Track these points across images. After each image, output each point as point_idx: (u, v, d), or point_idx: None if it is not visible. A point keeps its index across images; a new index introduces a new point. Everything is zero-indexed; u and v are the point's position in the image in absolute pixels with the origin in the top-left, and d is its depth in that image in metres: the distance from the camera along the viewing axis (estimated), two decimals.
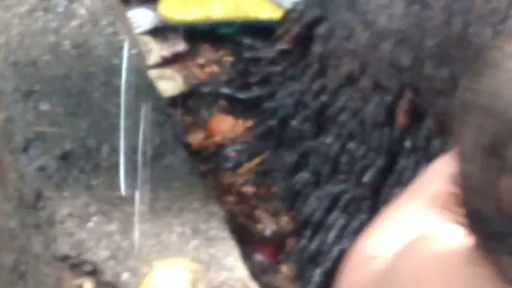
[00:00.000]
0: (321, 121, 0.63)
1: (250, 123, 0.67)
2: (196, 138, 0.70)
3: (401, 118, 0.56)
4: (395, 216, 0.44)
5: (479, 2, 0.51)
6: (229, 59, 0.76)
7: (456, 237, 0.32)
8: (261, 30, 0.77)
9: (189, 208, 0.63)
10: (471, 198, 0.26)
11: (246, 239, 0.60)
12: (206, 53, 0.80)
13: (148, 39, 0.88)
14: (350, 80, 0.62)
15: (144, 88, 0.71)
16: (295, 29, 0.68)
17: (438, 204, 0.36)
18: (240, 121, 0.69)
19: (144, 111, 0.69)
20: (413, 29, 0.56)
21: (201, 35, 0.82)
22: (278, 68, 0.69)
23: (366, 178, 0.57)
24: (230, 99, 0.71)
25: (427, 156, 0.55)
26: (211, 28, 0.79)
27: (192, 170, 0.66)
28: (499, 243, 0.26)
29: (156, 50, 0.87)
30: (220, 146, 0.67)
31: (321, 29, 0.66)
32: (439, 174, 0.38)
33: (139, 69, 0.70)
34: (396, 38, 0.58)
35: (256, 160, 0.65)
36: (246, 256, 0.59)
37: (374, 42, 0.59)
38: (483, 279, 0.30)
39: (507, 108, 0.23)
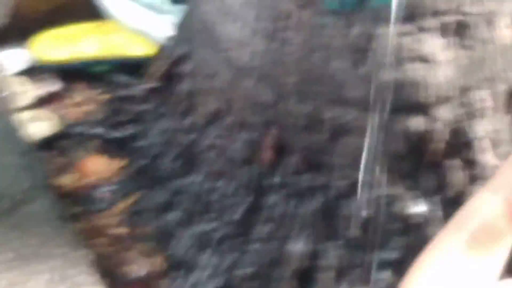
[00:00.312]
0: (191, 159, 0.65)
1: (123, 162, 0.68)
2: (68, 180, 0.68)
3: (266, 154, 0.59)
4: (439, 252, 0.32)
5: (338, 36, 0.53)
6: (104, 97, 0.77)
7: None
8: (135, 67, 0.79)
9: (57, 253, 0.61)
10: None
11: (117, 282, 0.60)
12: (82, 92, 0.79)
13: (22, 80, 0.85)
14: (217, 117, 0.63)
15: (9, 132, 0.69)
16: (164, 66, 0.71)
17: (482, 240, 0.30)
18: (114, 161, 0.68)
19: (10, 156, 0.66)
20: (274, 66, 0.57)
21: (76, 74, 0.81)
22: (149, 106, 0.70)
23: (236, 216, 0.59)
24: (103, 138, 0.70)
25: (296, 191, 0.57)
26: (84, 67, 0.79)
27: (62, 213, 0.64)
28: None
29: (31, 91, 0.84)
30: (93, 187, 0.67)
31: (187, 67, 0.68)
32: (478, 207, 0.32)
33: (3, 113, 0.68)
34: (258, 75, 0.60)
35: (129, 200, 0.65)
36: None
37: (237, 79, 0.61)
38: None
39: None
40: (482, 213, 0.31)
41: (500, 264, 0.29)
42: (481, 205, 0.31)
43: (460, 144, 0.54)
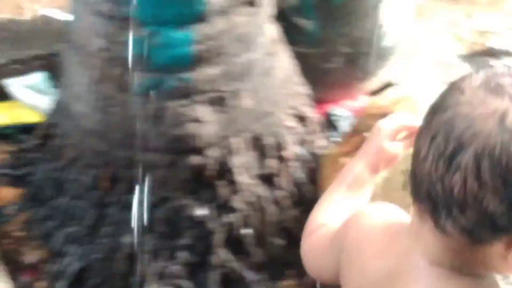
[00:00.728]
0: (62, 187, 0.92)
1: (22, 191, 0.97)
2: None
3: (105, 183, 0.87)
4: (331, 196, 0.60)
5: (143, 109, 0.83)
6: (11, 149, 1.08)
7: (380, 214, 0.50)
8: (30, 129, 1.09)
9: None
10: (426, 185, 0.39)
11: (17, 267, 0.91)
12: None
13: None
14: (76, 161, 0.91)
15: None
16: (45, 129, 1.00)
17: (354, 187, 0.56)
18: (16, 190, 0.98)
19: None
20: (107, 128, 0.86)
21: None
22: (38, 154, 1.00)
23: (90, 222, 0.87)
24: (10, 175, 1.01)
25: (125, 205, 0.84)
26: None
27: None
28: (441, 209, 0.38)
29: None
30: (3, 206, 0.97)
31: (57, 130, 0.96)
32: (350, 169, 0.58)
33: None
34: (97, 134, 0.88)
35: (25, 215, 0.94)
36: None
37: (85, 137, 0.90)
38: (421, 239, 0.42)
39: (460, 134, 0.37)
40: (354, 171, 0.57)
41: (366, 199, 0.56)
42: (353, 166, 0.57)
43: (224, 171, 0.87)
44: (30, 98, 1.18)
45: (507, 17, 1.73)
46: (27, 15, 1.50)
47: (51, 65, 1.17)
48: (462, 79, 0.41)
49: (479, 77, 0.40)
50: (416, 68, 1.29)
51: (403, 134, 0.55)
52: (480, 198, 0.37)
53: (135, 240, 0.83)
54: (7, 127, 1.14)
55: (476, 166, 0.36)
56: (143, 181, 0.84)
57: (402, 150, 0.55)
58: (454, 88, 0.41)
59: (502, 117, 0.36)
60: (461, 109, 0.38)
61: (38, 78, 1.21)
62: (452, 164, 0.37)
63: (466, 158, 0.37)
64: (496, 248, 0.39)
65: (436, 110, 0.41)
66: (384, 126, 0.56)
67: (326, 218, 0.59)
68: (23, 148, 1.06)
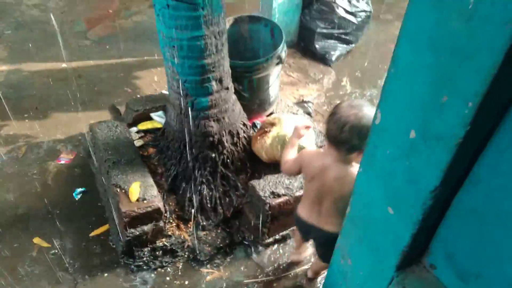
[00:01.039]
0: None
1: None
2: None
3: None
4: (287, 150, 1.99)
5: None
6: None
7: (310, 151, 1.92)
8: None
9: None
10: (332, 138, 1.67)
11: None
12: None
13: None
14: None
15: None
16: None
17: (294, 146, 2.00)
18: None
19: None
20: None
21: None
22: None
23: None
24: None
25: None
26: None
27: None
28: (337, 144, 1.67)
29: None
30: None
31: None
32: (291, 140, 2.01)
33: None
34: None
35: None
36: None
37: None
38: (330, 156, 1.73)
39: (338, 122, 1.61)
40: (292, 141, 2.05)
41: (296, 151, 2.05)
42: (292, 139, 2.05)
43: (220, 142, 2.72)
44: (158, 119, 3.04)
45: None
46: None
47: (163, 109, 3.05)
48: (340, 104, 1.64)
49: (346, 102, 1.63)
50: (282, 108, 3.18)
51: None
52: (350, 139, 1.58)
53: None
54: (152, 129, 3.04)
55: (349, 130, 1.56)
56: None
57: (304, 134, 1.98)
58: (336, 106, 1.65)
59: (356, 114, 1.57)
60: (341, 112, 1.60)
61: (159, 113, 3.09)
62: (342, 130, 1.59)
63: (346, 128, 1.57)
64: (355, 155, 1.65)
65: (332, 114, 1.63)
66: (298, 124, 1.97)
67: (289, 157, 1.96)
68: (156, 136, 2.92)
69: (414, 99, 0.93)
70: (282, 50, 2.77)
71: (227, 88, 2.53)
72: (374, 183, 1.19)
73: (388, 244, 1.21)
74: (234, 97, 2.60)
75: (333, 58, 4.44)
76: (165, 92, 3.40)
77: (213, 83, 2.31)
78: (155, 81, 4.11)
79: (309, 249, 2.56)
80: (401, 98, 0.98)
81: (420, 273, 1.20)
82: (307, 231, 2.03)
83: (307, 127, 2.01)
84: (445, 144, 0.88)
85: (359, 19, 4.49)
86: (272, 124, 2.59)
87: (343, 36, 4.50)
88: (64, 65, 4.32)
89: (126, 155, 2.63)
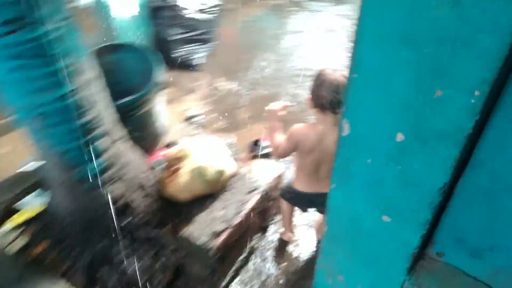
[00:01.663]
0: None
1: None
2: None
3: None
4: (275, 135, 2.08)
5: None
6: None
7: (297, 126, 2.05)
8: None
9: None
10: (325, 98, 1.84)
11: None
12: None
13: None
14: None
15: None
16: None
17: (279, 131, 2.12)
18: None
19: None
20: None
21: None
22: None
23: None
24: None
25: None
26: None
27: None
28: (329, 107, 1.87)
29: None
30: None
31: None
32: (277, 126, 2.11)
33: None
34: None
35: None
36: None
37: None
38: (325, 122, 1.93)
39: (330, 86, 1.83)
40: (272, 125, 2.12)
41: (281, 134, 2.16)
42: (275, 126, 2.13)
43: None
44: (36, 202, 2.48)
45: None
46: None
47: (36, 187, 2.50)
48: (322, 71, 1.88)
49: (326, 69, 1.86)
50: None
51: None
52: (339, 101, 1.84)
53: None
54: (34, 217, 2.46)
55: (343, 90, 1.88)
56: None
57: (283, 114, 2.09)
58: (320, 74, 1.87)
59: (342, 74, 1.81)
60: (329, 77, 1.82)
61: (34, 193, 2.52)
62: (337, 92, 1.85)
63: (340, 88, 1.80)
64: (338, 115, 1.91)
65: (320, 82, 1.88)
66: (271, 107, 2.02)
67: (279, 140, 2.06)
68: (44, 224, 2.39)
69: (394, 102, 0.82)
70: (159, 74, 2.50)
71: (120, 139, 2.17)
72: (356, 196, 1.07)
73: (391, 251, 1.12)
74: (129, 144, 2.26)
75: (197, 62, 4.27)
76: (28, 167, 2.77)
77: (102, 140, 1.95)
78: None
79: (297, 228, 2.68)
80: (374, 103, 0.85)
81: (429, 265, 1.13)
82: (309, 202, 2.17)
83: (285, 107, 2.05)
84: (451, 139, 0.78)
85: (214, 15, 4.37)
86: (179, 159, 2.31)
87: (200, 37, 4.34)
88: None
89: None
